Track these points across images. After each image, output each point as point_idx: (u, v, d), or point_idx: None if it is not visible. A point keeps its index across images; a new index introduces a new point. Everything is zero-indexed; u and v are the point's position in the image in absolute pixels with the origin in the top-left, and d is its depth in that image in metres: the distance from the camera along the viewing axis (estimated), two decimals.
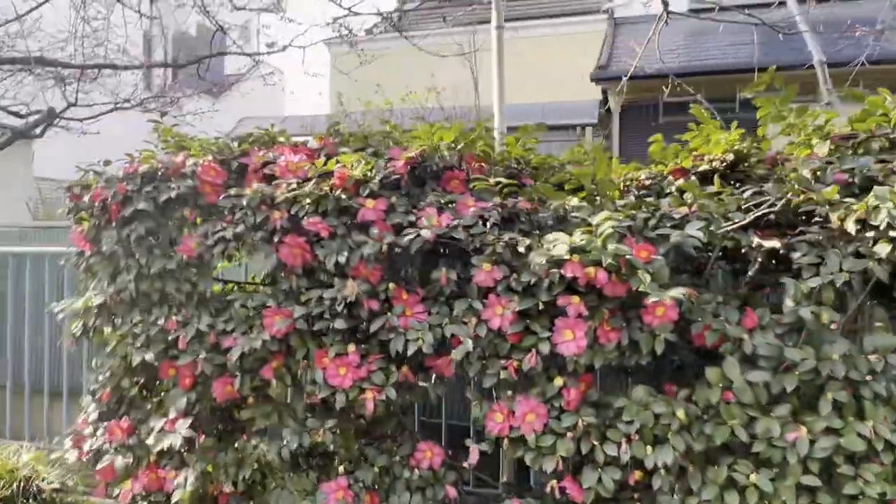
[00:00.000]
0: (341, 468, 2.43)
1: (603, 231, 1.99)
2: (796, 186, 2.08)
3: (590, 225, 2.14)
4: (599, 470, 2.10)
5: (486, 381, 2.19)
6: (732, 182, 2.51)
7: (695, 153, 2.68)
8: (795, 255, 2.02)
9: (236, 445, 2.58)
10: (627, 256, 1.96)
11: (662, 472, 2.04)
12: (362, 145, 2.57)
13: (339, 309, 2.28)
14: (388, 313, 2.28)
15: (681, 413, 2.04)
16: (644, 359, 2.09)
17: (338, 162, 2.40)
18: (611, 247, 1.96)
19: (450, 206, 2.28)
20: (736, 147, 2.55)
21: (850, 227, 1.95)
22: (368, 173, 2.32)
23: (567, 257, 1.99)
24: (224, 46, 8.80)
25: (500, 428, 2.20)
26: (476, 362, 2.18)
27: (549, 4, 12.85)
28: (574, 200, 2.24)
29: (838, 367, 1.92)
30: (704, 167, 2.62)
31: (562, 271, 2.01)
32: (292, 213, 2.36)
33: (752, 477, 1.97)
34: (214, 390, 2.46)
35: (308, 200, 2.32)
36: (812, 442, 1.91)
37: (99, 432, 2.63)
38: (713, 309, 2.07)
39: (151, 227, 2.52)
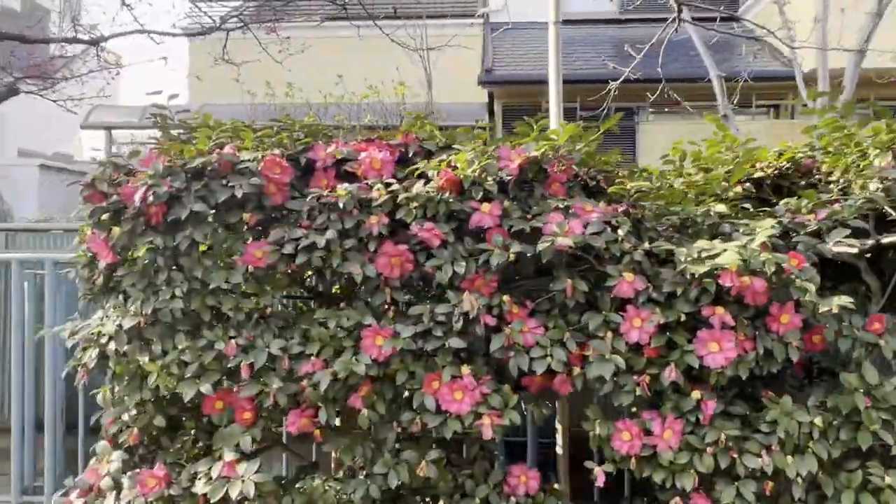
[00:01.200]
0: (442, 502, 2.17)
1: (758, 240, 1.94)
2: None
3: (723, 234, 2.09)
4: (736, 483, 2.05)
5: (622, 398, 2.05)
6: (775, 191, 2.59)
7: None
8: None
9: (299, 487, 2.23)
10: (786, 265, 1.93)
11: (799, 480, 2.03)
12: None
13: (458, 326, 2.03)
14: (505, 329, 2.07)
15: (819, 421, 2.05)
16: (776, 367, 2.08)
17: (442, 160, 2.13)
18: (767, 256, 1.92)
19: (569, 211, 2.11)
20: (797, 156, 2.62)
21: None
22: (477, 174, 2.09)
23: (726, 266, 1.91)
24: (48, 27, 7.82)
25: (629, 447, 2.08)
26: (610, 380, 2.04)
27: (428, 4, 12.84)
28: (720, 207, 2.17)
29: None
30: (759, 174, 2.68)
31: (719, 280, 1.93)
32: (395, 217, 2.07)
33: (888, 479, 2.02)
34: (289, 424, 2.10)
35: (415, 204, 2.04)
36: None
37: (127, 484, 2.14)
38: (838, 315, 2.10)
39: (207, 232, 2.09)
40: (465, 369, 2.06)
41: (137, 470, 2.18)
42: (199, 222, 2.09)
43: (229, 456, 2.11)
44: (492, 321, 2.07)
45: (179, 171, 2.10)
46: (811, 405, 2.09)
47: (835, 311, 1.93)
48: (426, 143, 2.25)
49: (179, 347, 2.09)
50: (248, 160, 2.14)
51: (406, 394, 2.15)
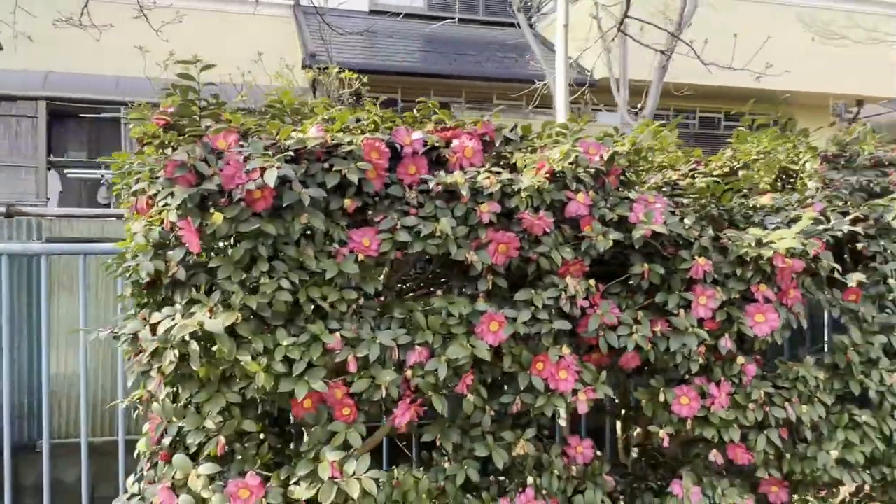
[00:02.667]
0: (529, 479, 2.27)
1: (799, 227, 2.35)
2: None
3: (756, 223, 2.47)
4: (766, 432, 2.45)
5: (690, 367, 2.33)
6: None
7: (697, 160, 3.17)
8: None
9: (417, 477, 2.17)
10: (816, 250, 2.35)
11: (808, 424, 2.49)
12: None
13: (566, 309, 2.14)
14: (596, 310, 2.23)
15: (821, 375, 2.52)
16: (788, 334, 2.51)
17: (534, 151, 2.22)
18: (811, 241, 2.33)
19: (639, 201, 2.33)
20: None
21: None
22: (572, 167, 2.21)
23: (780, 250, 2.28)
24: None
25: (689, 409, 2.37)
26: (680, 351, 2.31)
27: None
28: (764, 199, 2.52)
29: None
30: (717, 172, 3.14)
31: (774, 261, 2.30)
32: (506, 206, 2.11)
33: (864, 417, 2.57)
34: (398, 416, 2.05)
35: (526, 193, 2.11)
36: None
37: (217, 500, 1.91)
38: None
39: (320, 220, 1.95)
40: (566, 349, 2.19)
41: (220, 483, 1.96)
42: (316, 209, 1.94)
43: (333, 456, 2.00)
44: (585, 304, 2.22)
45: (283, 153, 1.92)
46: (809, 363, 2.57)
47: (855, 284, 2.40)
48: (508, 134, 2.31)
49: (284, 344, 1.93)
50: (350, 143, 2.03)
51: (499, 377, 2.22)
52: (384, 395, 2.01)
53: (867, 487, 2.79)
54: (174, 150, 2.32)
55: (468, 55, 11.64)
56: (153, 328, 1.90)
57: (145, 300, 2.04)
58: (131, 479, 2.32)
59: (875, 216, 2.70)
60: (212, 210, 1.90)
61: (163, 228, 1.92)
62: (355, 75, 5.61)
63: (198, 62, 2.13)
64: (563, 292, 2.15)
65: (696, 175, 2.95)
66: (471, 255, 2.07)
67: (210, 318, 1.87)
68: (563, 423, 2.62)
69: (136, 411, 2.27)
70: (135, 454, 2.27)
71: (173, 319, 1.92)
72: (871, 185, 2.96)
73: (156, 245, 1.94)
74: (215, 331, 1.83)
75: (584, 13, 8.68)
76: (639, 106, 8.17)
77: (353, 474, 1.96)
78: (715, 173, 3.04)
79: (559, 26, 3.01)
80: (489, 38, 12.99)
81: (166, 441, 2.06)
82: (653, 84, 8.13)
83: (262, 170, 1.84)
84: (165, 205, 1.91)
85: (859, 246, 2.68)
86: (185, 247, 1.92)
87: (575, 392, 2.19)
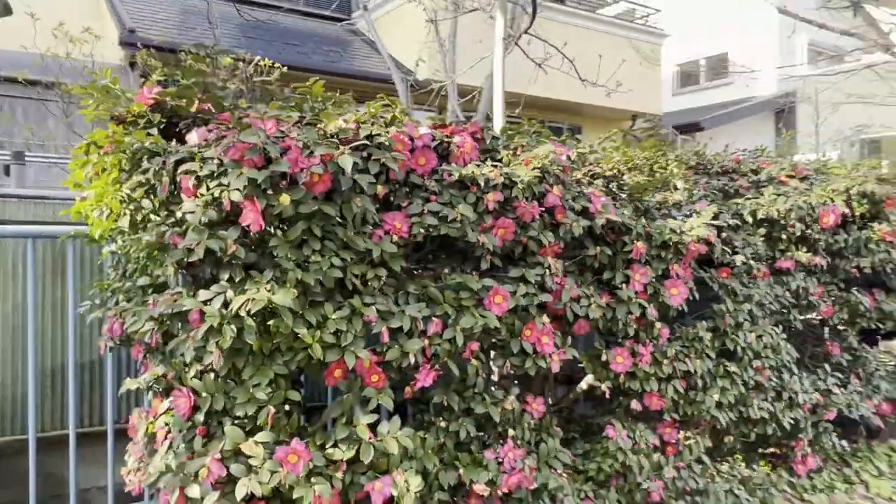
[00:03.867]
0: (511, 431, 2.64)
1: (704, 218, 2.98)
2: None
3: (666, 215, 3.06)
4: (672, 383, 3.07)
5: (628, 331, 2.86)
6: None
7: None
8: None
9: (424, 436, 2.42)
10: (711, 237, 3.01)
11: (700, 374, 3.16)
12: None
13: (548, 284, 2.55)
14: (565, 285, 2.67)
15: (708, 336, 3.21)
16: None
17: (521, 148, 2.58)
18: (712, 229, 2.97)
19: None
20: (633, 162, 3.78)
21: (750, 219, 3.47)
22: (550, 165, 2.62)
23: (694, 237, 2.90)
24: None
25: (623, 366, 2.91)
26: (620, 319, 2.83)
27: None
28: (676, 197, 3.09)
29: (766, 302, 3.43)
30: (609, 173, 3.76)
31: (690, 246, 2.90)
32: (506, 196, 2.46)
33: (732, 367, 3.31)
34: (420, 381, 2.31)
35: (521, 185, 2.47)
36: (759, 338, 3.37)
37: (269, 466, 2.02)
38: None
39: (370, 203, 2.13)
40: (546, 318, 2.60)
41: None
42: (361, 194, 2.13)
43: (366, 419, 2.22)
44: (561, 280, 2.65)
45: (329, 140, 2.09)
46: (702, 327, 3.24)
47: (738, 263, 3.10)
48: (495, 133, 2.65)
49: (333, 317, 2.10)
50: (382, 135, 2.24)
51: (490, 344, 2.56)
52: (412, 363, 2.26)
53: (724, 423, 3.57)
54: (161, 131, 2.36)
55: (293, 45, 11.55)
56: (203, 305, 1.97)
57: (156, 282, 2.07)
58: (130, 459, 2.31)
59: (732, 212, 3.46)
60: (271, 192, 2.01)
61: (220, 208, 1.99)
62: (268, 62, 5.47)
63: (211, 48, 2.21)
64: (548, 269, 2.55)
65: (595, 175, 3.51)
66: (481, 237, 2.39)
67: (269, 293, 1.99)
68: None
69: (149, 391, 2.26)
70: (140, 434, 2.26)
71: (224, 296, 2.00)
72: (726, 187, 3.75)
73: (211, 224, 2.00)
74: (283, 304, 1.96)
75: (413, 15, 9.16)
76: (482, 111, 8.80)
77: (388, 433, 2.20)
78: (608, 174, 3.64)
79: (497, 41, 3.40)
80: (310, 30, 12.98)
81: (199, 417, 2.11)
82: (483, 91, 8.85)
83: (329, 156, 2.00)
84: (221, 186, 1.98)
85: (723, 235, 3.42)
86: (239, 226, 2.01)
87: (550, 355, 2.61)
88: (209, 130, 2.19)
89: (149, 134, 2.35)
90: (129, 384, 2.24)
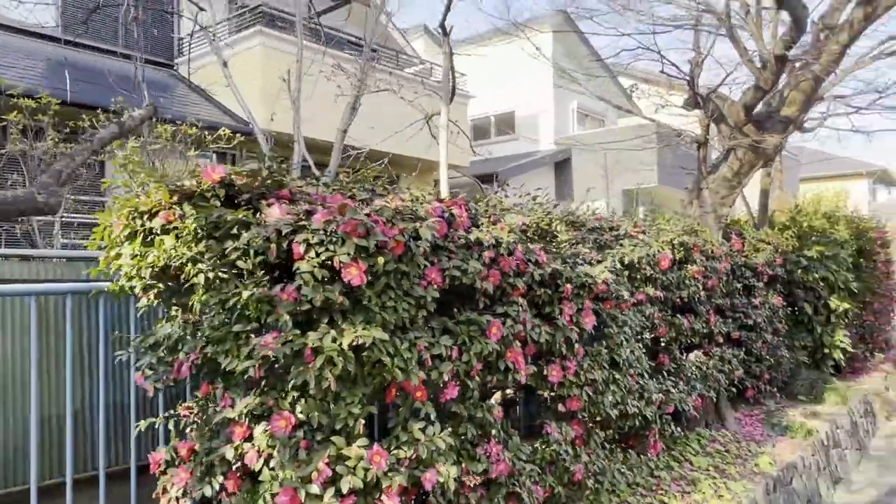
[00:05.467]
0: (493, 431, 3.45)
1: (605, 265, 4.08)
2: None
3: (578, 263, 4.13)
4: (584, 388, 4.09)
5: (562, 350, 3.83)
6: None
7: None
8: None
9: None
10: (608, 278, 4.11)
11: (600, 382, 4.23)
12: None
13: (520, 318, 3.44)
14: (526, 317, 3.57)
15: (605, 352, 4.30)
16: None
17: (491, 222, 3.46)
18: (610, 273, 4.08)
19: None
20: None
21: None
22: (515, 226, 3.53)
23: (601, 279, 3.97)
24: None
25: (556, 378, 3.87)
26: (557, 342, 3.79)
27: None
28: (581, 248, 4.11)
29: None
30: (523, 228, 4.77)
31: (598, 286, 3.97)
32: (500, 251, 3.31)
33: (617, 375, 4.42)
34: (447, 395, 3.06)
35: (504, 245, 3.35)
36: (632, 353, 4.54)
37: (362, 464, 2.64)
38: None
39: (423, 262, 2.86)
40: (518, 343, 3.47)
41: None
42: (417, 254, 2.86)
43: (418, 425, 2.92)
44: (525, 315, 3.54)
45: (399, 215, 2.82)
46: (600, 346, 4.32)
47: (620, 297, 4.23)
48: (475, 207, 3.50)
49: (401, 348, 2.80)
50: (420, 211, 3.00)
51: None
52: (444, 381, 3.01)
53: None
54: (223, 203, 2.92)
55: (123, 91, 11.22)
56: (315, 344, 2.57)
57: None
58: (173, 489, 2.76)
59: (609, 259, 4.63)
60: (363, 255, 2.68)
61: (330, 268, 2.61)
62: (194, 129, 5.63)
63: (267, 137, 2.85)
64: (521, 307, 3.45)
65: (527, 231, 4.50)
66: (482, 284, 3.22)
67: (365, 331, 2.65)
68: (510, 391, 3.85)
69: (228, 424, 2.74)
70: (236, 453, 2.73)
71: (328, 335, 2.62)
72: (598, 240, 4.94)
73: (320, 280, 2.61)
74: (382, 338, 2.63)
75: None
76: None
77: (434, 434, 2.93)
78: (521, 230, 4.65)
79: (441, 126, 4.24)
80: (128, 73, 12.67)
81: (300, 433, 2.67)
82: (335, 146, 9.58)
83: (413, 229, 2.73)
84: (329, 251, 2.61)
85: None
86: (341, 282, 2.65)
87: (521, 370, 3.49)
88: (292, 205, 2.80)
89: (221, 205, 2.88)
90: (182, 410, 2.71)
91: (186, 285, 2.92)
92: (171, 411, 3.35)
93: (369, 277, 2.72)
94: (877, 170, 31.80)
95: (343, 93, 7.80)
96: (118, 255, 3.20)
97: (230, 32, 12.95)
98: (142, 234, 3.11)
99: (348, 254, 2.61)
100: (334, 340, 2.60)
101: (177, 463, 3.02)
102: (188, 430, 3.19)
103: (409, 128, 9.81)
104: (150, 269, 3.06)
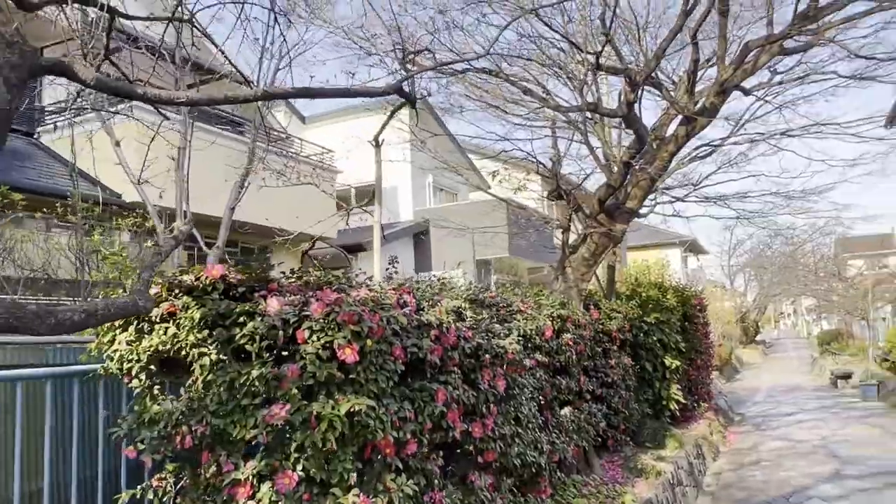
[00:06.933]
0: (435, 482, 4.13)
1: (514, 335, 4.96)
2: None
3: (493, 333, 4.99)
4: (497, 442, 4.89)
5: (484, 409, 4.61)
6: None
7: None
8: None
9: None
10: (516, 348, 5.00)
11: (509, 435, 5.05)
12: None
13: (456, 384, 4.20)
14: (460, 384, 4.33)
15: (512, 410, 5.14)
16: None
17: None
18: (515, 345, 4.96)
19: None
20: None
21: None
22: (452, 308, 4.32)
23: (510, 349, 4.84)
24: None
25: (479, 433, 4.64)
26: (479, 403, 4.58)
27: None
28: (497, 326, 4.94)
29: None
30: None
31: (508, 356, 4.83)
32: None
33: (519, 430, 5.28)
34: (408, 449, 3.73)
35: (445, 324, 4.12)
36: (530, 410, 5.42)
37: None
38: None
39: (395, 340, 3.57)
40: (455, 406, 4.22)
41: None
42: (389, 335, 3.56)
43: (389, 476, 3.57)
44: (458, 381, 4.31)
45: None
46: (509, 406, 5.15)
47: (526, 363, 5.13)
48: (417, 296, 4.26)
49: (381, 412, 3.45)
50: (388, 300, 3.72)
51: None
52: (406, 439, 3.69)
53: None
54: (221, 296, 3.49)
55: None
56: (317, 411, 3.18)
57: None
58: None
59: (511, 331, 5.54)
60: (357, 338, 3.34)
61: (332, 350, 3.24)
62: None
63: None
64: (457, 375, 4.21)
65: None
66: (432, 357, 3.96)
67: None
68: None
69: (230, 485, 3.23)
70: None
71: (327, 404, 3.24)
72: (497, 314, 5.85)
73: (323, 360, 3.23)
74: (371, 406, 3.28)
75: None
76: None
77: (402, 483, 3.59)
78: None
79: (376, 225, 4.96)
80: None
81: (302, 488, 3.22)
82: (223, 220, 9.92)
83: (389, 316, 3.43)
84: (327, 336, 3.25)
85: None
86: (337, 360, 3.28)
87: (458, 429, 4.23)
88: (286, 297, 3.42)
89: (222, 299, 3.44)
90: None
91: (187, 367, 3.41)
92: (144, 483, 3.72)
93: (358, 356, 3.38)
94: (688, 240, 36.27)
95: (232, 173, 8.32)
96: (112, 341, 3.61)
97: (111, 103, 12.92)
98: (135, 323, 3.56)
99: (345, 337, 3.27)
100: (333, 408, 3.22)
101: None
102: (178, 497, 3.58)
103: (281, 201, 10.39)
104: (147, 354, 3.51)
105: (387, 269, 5.92)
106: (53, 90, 13.33)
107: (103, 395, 3.90)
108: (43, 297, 6.67)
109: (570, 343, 6.76)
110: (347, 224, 7.09)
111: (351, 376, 3.37)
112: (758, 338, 46.20)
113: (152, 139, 5.32)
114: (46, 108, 13.54)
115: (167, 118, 4.43)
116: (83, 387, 3.87)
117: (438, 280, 6.22)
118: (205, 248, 9.66)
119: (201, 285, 3.50)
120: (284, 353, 3.37)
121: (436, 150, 13.70)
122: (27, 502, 3.68)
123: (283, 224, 13.18)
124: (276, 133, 16.94)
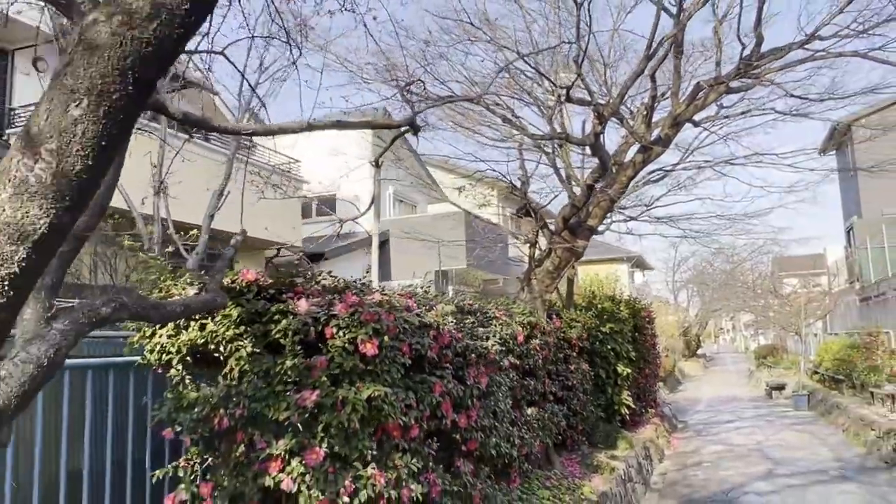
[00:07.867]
0: (430, 465, 4.70)
1: (494, 337, 5.58)
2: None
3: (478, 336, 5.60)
4: (479, 432, 5.50)
5: (471, 403, 5.21)
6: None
7: None
8: None
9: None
10: (496, 348, 5.62)
11: (489, 426, 5.65)
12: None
13: (449, 379, 4.79)
14: (451, 379, 4.92)
15: (491, 404, 5.75)
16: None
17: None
18: (496, 346, 5.58)
19: None
20: None
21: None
22: (444, 312, 4.92)
23: (493, 350, 5.46)
24: None
25: (465, 423, 5.23)
26: (466, 396, 5.18)
27: None
28: (481, 329, 5.54)
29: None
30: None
31: (490, 355, 5.44)
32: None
33: (496, 423, 5.89)
34: (412, 433, 4.30)
35: (443, 324, 4.72)
36: (505, 405, 6.04)
37: (371, 480, 3.79)
38: None
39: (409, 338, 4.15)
40: (448, 398, 4.80)
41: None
42: (400, 333, 4.13)
43: (397, 455, 4.13)
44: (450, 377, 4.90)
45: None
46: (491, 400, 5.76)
47: (504, 362, 5.75)
48: (421, 301, 4.85)
49: (393, 398, 4.02)
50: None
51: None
52: (411, 424, 4.26)
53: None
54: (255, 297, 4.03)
55: None
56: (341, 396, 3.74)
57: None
58: None
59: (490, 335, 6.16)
60: (376, 335, 3.91)
61: (355, 344, 3.79)
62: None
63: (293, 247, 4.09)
64: (450, 371, 4.81)
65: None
66: (431, 354, 4.55)
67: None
68: None
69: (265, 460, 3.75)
70: (274, 482, 3.73)
71: (351, 391, 3.80)
72: (477, 320, 6.46)
73: (348, 352, 3.78)
74: (387, 392, 3.85)
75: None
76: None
77: (408, 462, 4.16)
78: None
79: (374, 249, 5.54)
80: None
81: (328, 462, 3.76)
82: (203, 227, 10.29)
83: (401, 317, 4.01)
84: (351, 332, 3.81)
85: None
86: (358, 353, 3.84)
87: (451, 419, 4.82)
88: (311, 298, 3.97)
89: (256, 299, 3.97)
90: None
91: (216, 360, 3.93)
92: (174, 462, 4.19)
93: (377, 350, 3.95)
94: (634, 256, 37.69)
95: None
96: (153, 335, 4.10)
97: None
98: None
99: (367, 333, 3.84)
100: (356, 394, 3.78)
101: (198, 500, 3.91)
102: (207, 474, 4.06)
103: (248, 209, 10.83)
104: (185, 346, 4.01)
105: (360, 279, 6.48)
106: (22, 92, 13.44)
107: (133, 386, 4.36)
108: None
109: (538, 348, 7.42)
110: (339, 235, 7.61)
111: (370, 367, 3.94)
112: (699, 352, 48.03)
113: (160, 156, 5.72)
114: (16, 111, 13.60)
115: (191, 137, 4.89)
116: (117, 377, 4.33)
117: (403, 289, 6.81)
118: (185, 253, 10.07)
119: (238, 287, 4.01)
120: (310, 347, 3.91)
121: (402, 164, 14.31)
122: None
123: (250, 231, 13.58)
124: (246, 143, 17.28)
